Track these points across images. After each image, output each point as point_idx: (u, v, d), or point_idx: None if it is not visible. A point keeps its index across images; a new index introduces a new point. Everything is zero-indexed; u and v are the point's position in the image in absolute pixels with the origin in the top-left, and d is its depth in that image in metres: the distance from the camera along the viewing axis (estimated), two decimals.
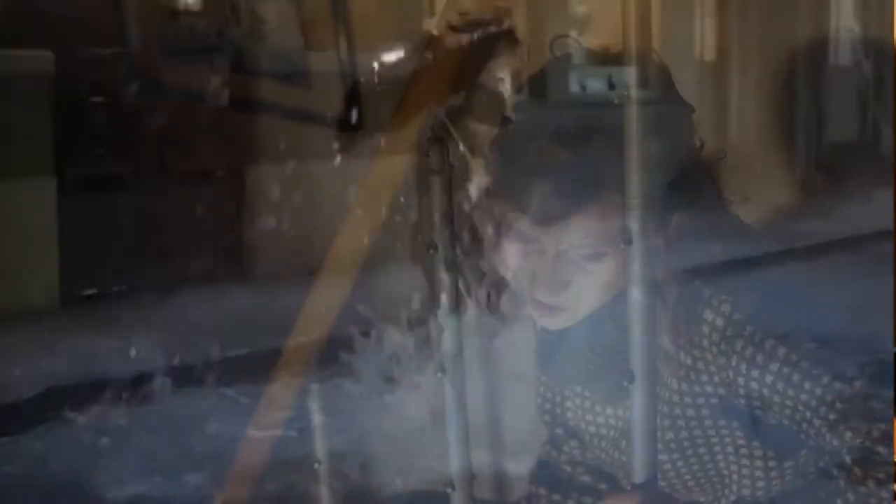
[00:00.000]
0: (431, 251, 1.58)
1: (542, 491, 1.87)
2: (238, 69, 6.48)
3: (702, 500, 1.68)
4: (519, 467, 1.99)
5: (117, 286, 5.68)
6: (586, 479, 1.83)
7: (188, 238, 5.82)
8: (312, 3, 6.86)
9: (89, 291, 5.68)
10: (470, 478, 1.63)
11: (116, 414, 4.46)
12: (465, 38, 1.52)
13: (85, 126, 6.10)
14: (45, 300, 5.72)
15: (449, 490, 1.63)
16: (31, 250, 5.73)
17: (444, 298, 1.59)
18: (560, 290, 1.60)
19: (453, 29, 1.48)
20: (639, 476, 1.44)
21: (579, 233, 1.56)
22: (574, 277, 1.58)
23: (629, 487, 1.49)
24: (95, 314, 5.48)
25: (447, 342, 1.61)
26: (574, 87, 1.61)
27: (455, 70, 1.57)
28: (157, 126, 6.24)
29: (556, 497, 1.85)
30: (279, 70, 6.43)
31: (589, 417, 1.78)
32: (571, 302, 1.61)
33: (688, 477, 1.67)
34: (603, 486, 1.79)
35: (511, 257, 1.62)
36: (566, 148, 1.55)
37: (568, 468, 1.86)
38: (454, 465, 1.63)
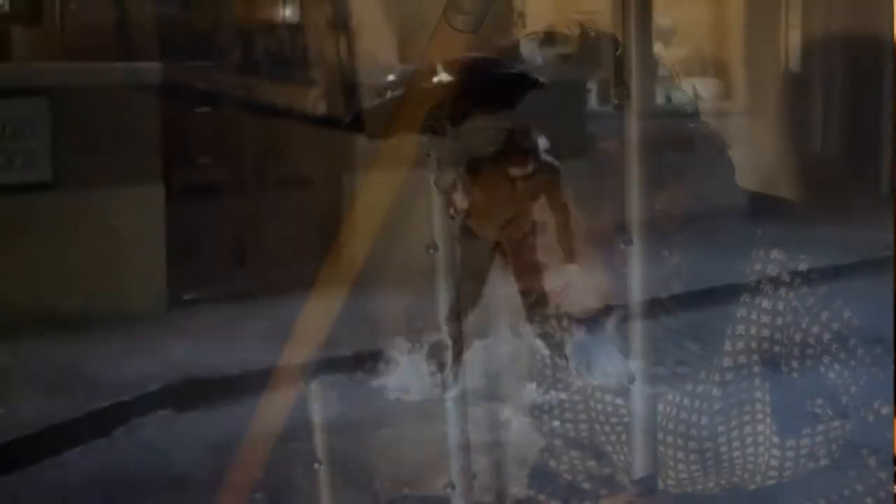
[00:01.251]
0: (431, 251, 1.56)
1: (542, 497, 1.85)
2: (335, 80, 6.58)
3: (705, 488, 1.68)
4: (518, 472, 1.96)
5: (223, 290, 5.81)
6: (587, 485, 1.82)
7: (290, 243, 5.97)
8: (409, 18, 6.98)
9: (196, 296, 5.78)
10: (470, 478, 1.61)
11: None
12: (465, 38, 1.50)
13: (191, 135, 6.29)
14: (153, 305, 5.86)
15: (449, 490, 1.61)
16: (140, 256, 5.89)
17: (445, 301, 1.58)
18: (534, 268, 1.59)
19: (454, 29, 1.47)
20: (638, 473, 1.44)
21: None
22: (537, 256, 1.58)
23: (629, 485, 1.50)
24: (203, 318, 5.65)
25: (448, 345, 1.59)
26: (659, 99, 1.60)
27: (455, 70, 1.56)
28: (259, 134, 6.38)
29: (554, 503, 1.84)
30: (375, 82, 6.51)
31: (595, 417, 1.76)
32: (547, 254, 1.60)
33: (696, 468, 1.66)
34: (604, 492, 1.77)
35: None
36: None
37: (568, 476, 1.84)
38: (454, 465, 1.61)
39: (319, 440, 1.85)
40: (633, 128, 1.37)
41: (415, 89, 1.58)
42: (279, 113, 6.51)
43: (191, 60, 6.38)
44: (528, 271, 1.60)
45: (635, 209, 1.37)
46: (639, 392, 1.40)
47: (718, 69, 8.11)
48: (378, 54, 6.66)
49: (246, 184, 6.45)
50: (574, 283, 1.59)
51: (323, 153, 6.52)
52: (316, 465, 1.86)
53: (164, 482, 4.04)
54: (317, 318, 1.86)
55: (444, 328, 1.59)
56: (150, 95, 5.97)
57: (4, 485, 4.01)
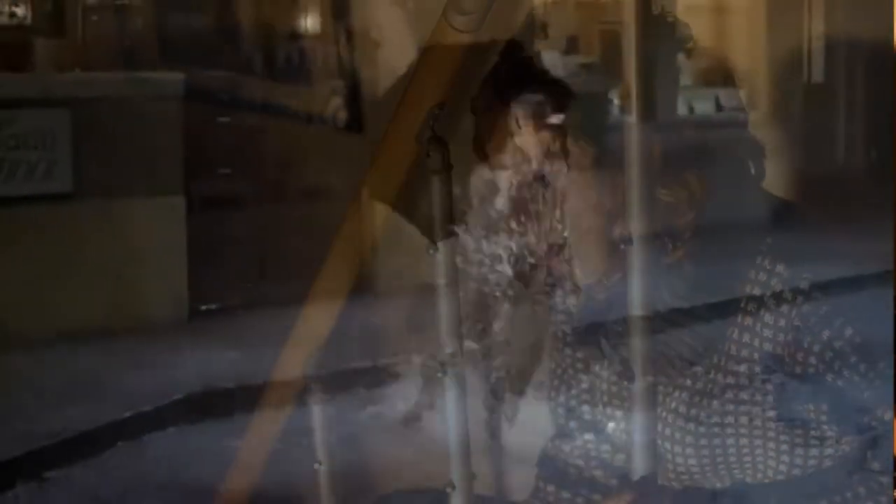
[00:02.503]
0: (431, 251, 1.56)
1: (550, 488, 1.83)
2: (354, 92, 6.60)
3: (709, 484, 1.65)
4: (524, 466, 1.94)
5: (242, 300, 5.79)
6: (598, 473, 1.79)
7: (308, 253, 5.90)
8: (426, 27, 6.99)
9: (215, 305, 5.80)
10: (470, 478, 1.61)
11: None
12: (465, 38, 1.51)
13: (212, 145, 6.29)
14: (174, 313, 5.89)
15: (449, 490, 1.61)
16: (162, 266, 5.91)
17: (445, 301, 1.58)
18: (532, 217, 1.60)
19: (454, 29, 1.52)
20: (638, 472, 1.44)
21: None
22: (539, 206, 1.60)
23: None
24: (223, 326, 5.66)
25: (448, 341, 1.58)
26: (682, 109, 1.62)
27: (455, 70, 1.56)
28: (281, 144, 6.40)
29: (564, 494, 1.81)
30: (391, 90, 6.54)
31: (608, 401, 1.74)
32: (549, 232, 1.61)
33: (696, 469, 1.64)
34: (613, 482, 1.75)
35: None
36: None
37: (581, 462, 1.80)
38: (454, 464, 1.61)
39: (319, 440, 1.86)
40: (636, 128, 1.39)
41: (415, 89, 1.58)
42: (300, 122, 6.52)
43: (212, 70, 6.38)
44: (531, 217, 1.60)
45: (636, 209, 1.39)
46: (639, 391, 1.41)
47: (740, 79, 8.10)
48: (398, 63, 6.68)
49: (267, 194, 6.45)
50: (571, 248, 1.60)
51: (344, 163, 6.51)
52: (316, 465, 1.86)
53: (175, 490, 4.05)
54: (315, 322, 1.88)
55: (444, 329, 1.58)
56: (171, 106, 5.98)
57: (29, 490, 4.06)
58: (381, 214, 1.72)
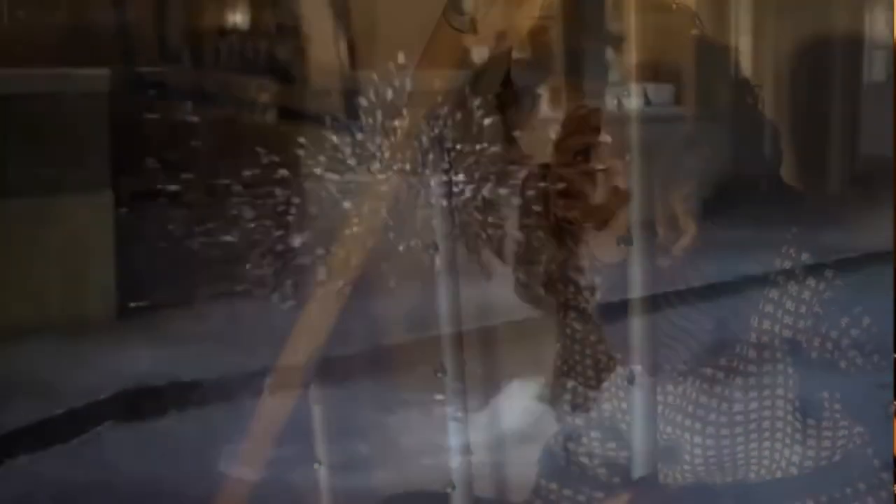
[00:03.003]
0: (431, 251, 1.58)
1: (552, 486, 1.85)
2: (284, 86, 6.57)
3: (716, 479, 1.67)
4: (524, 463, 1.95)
5: (172, 297, 5.73)
6: (602, 471, 1.81)
7: (240, 250, 5.88)
8: (359, 22, 6.96)
9: (145, 303, 5.74)
10: (470, 477, 1.62)
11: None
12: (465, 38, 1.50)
13: (140, 141, 6.19)
14: (103, 311, 5.79)
15: (449, 490, 1.62)
16: (89, 263, 5.84)
17: (443, 296, 1.58)
18: (576, 197, 1.60)
19: (454, 29, 1.54)
20: (638, 471, 1.47)
21: None
22: (583, 184, 1.59)
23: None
24: (152, 325, 5.55)
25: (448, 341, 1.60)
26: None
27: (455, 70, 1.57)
28: (209, 141, 6.32)
29: (566, 492, 1.83)
30: (323, 87, 6.50)
31: (617, 403, 1.76)
32: (593, 211, 1.60)
33: (701, 463, 1.66)
34: (617, 480, 1.77)
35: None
36: None
37: (585, 460, 1.82)
38: (454, 464, 1.62)
39: (319, 440, 1.88)
40: (635, 127, 1.41)
41: (414, 89, 1.64)
42: (231, 116, 6.48)
43: (141, 64, 6.32)
44: (573, 198, 1.58)
45: (636, 209, 1.41)
46: (639, 391, 1.44)
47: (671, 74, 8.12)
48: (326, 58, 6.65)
49: (199, 188, 6.38)
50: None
51: (274, 159, 6.48)
52: (316, 465, 1.89)
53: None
54: (317, 319, 1.94)
55: (444, 328, 1.59)
56: (98, 101, 5.95)
57: None
58: (379, 218, 1.78)
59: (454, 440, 1.61)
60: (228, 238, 6.25)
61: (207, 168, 6.44)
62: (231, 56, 6.83)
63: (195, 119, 6.44)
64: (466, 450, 1.61)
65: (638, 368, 1.45)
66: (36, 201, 5.67)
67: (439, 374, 1.61)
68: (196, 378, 4.89)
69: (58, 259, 5.70)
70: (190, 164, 6.49)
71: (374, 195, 1.72)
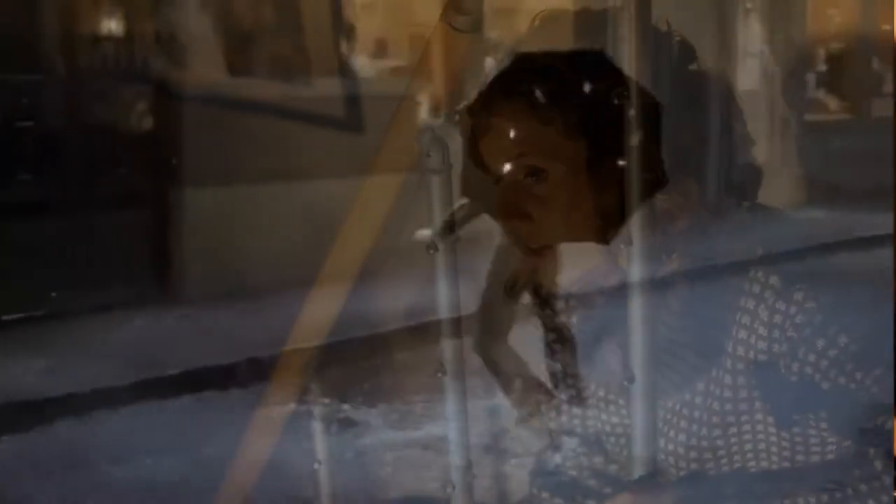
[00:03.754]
0: (431, 251, 1.54)
1: (545, 495, 1.82)
2: (161, 94, 6.49)
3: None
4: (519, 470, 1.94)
5: (43, 309, 5.71)
6: (592, 482, 1.79)
7: (112, 260, 5.91)
8: (238, 30, 6.90)
9: (19, 315, 5.66)
10: (470, 478, 1.60)
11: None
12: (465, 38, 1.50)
13: (10, 151, 6.12)
14: None
15: (449, 490, 1.60)
16: None
17: (444, 297, 1.56)
18: (520, 217, 1.54)
19: (454, 29, 1.51)
20: (638, 471, 1.43)
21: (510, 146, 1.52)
22: (528, 205, 1.53)
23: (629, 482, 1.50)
24: (26, 336, 5.51)
25: (448, 341, 1.58)
26: None
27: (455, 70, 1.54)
28: (82, 150, 6.25)
29: (557, 501, 1.81)
30: (201, 94, 6.42)
31: (598, 415, 1.73)
32: (539, 233, 1.56)
33: (710, 464, 1.64)
34: (608, 490, 1.74)
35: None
36: None
37: (574, 473, 1.80)
38: (454, 465, 1.60)
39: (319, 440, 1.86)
40: (633, 127, 1.37)
41: (414, 89, 1.59)
42: (106, 127, 6.39)
43: (12, 73, 6.20)
44: (516, 218, 1.55)
45: (635, 209, 1.37)
46: (639, 390, 1.40)
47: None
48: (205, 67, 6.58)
49: (73, 199, 6.28)
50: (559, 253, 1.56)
51: (151, 168, 6.48)
52: (316, 466, 1.85)
53: None
54: (317, 317, 1.89)
55: (444, 328, 1.56)
56: None
57: None
58: (380, 216, 1.73)
59: (454, 440, 1.59)
60: (99, 247, 6.10)
61: (79, 178, 6.28)
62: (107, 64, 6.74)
63: (70, 127, 6.31)
64: (466, 450, 1.60)
65: (638, 369, 1.39)
66: None
67: (439, 374, 1.58)
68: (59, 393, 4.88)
69: None
70: (61, 174, 6.33)
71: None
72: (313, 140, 6.41)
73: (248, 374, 5.07)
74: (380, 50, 8.15)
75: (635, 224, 1.36)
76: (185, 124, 6.32)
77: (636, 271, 1.37)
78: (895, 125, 7.20)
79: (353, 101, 6.68)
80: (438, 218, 1.52)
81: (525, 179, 1.52)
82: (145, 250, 6.38)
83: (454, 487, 1.59)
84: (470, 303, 1.69)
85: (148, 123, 6.57)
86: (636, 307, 1.38)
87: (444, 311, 1.55)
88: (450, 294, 1.55)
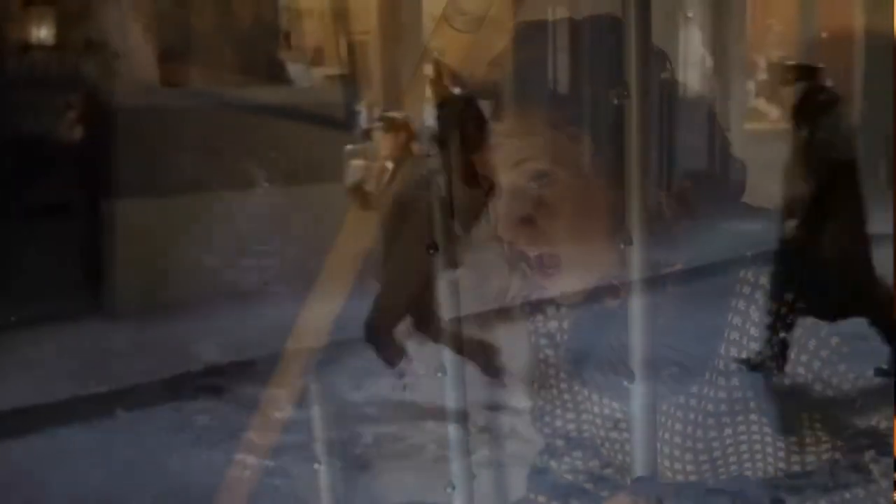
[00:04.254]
0: (431, 251, 1.55)
1: (541, 499, 1.82)
2: (92, 103, 6.40)
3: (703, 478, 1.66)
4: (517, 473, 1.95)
5: None
6: (589, 486, 1.80)
7: (42, 272, 5.80)
8: (169, 39, 6.81)
9: None
10: (470, 478, 1.63)
11: None
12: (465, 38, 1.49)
13: None
14: None
15: (449, 490, 1.62)
16: None
17: (445, 301, 1.58)
18: (526, 227, 1.50)
19: (454, 29, 1.52)
20: (638, 472, 1.45)
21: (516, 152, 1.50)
22: (535, 212, 1.49)
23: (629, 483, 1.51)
24: None
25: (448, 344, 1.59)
26: None
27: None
28: (10, 160, 6.14)
29: None
30: (133, 104, 6.33)
31: (592, 419, 1.73)
32: (546, 241, 1.51)
33: (692, 467, 1.66)
34: (605, 493, 1.74)
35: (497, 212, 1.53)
36: None
37: (570, 477, 1.81)
38: (454, 465, 1.63)
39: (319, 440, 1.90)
40: (634, 127, 1.36)
41: (415, 89, 1.58)
42: (33, 138, 6.29)
43: None
44: (517, 227, 1.50)
45: (636, 209, 1.37)
46: (639, 391, 1.40)
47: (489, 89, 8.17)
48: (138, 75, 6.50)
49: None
50: (563, 257, 1.51)
51: (81, 179, 6.35)
52: (316, 466, 1.89)
53: None
54: (318, 316, 1.90)
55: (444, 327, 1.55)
56: None
57: None
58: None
59: (453, 441, 1.62)
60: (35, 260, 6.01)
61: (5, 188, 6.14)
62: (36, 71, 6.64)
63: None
64: (466, 451, 1.62)
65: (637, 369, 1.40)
66: None
67: (439, 375, 1.59)
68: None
69: None
70: None
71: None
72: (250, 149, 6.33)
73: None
74: (317, 57, 8.08)
75: (634, 225, 1.37)
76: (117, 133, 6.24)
77: (635, 271, 1.37)
78: (895, 126, 7.25)
79: (285, 109, 6.63)
80: (438, 218, 1.53)
81: (529, 184, 1.48)
82: (76, 262, 6.28)
83: (454, 488, 1.61)
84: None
85: (78, 132, 6.47)
86: (636, 308, 1.38)
87: (443, 312, 1.57)
88: (449, 294, 1.56)
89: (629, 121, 1.34)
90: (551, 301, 1.65)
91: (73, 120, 6.41)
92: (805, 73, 5.57)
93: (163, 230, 6.11)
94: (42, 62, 6.69)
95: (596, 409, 1.70)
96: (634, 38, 1.34)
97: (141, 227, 6.15)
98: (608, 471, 1.75)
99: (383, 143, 4.85)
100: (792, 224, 5.17)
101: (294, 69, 7.53)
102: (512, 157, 1.48)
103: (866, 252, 5.12)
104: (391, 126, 4.83)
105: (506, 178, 1.49)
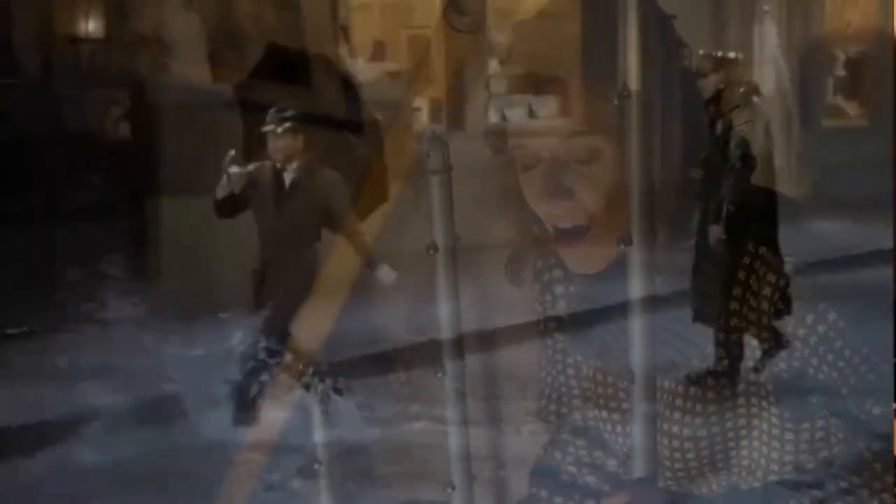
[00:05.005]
0: (431, 251, 1.56)
1: (543, 493, 1.85)
2: (141, 99, 6.26)
3: (706, 486, 1.68)
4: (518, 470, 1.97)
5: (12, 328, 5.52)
6: (590, 479, 1.81)
7: (88, 275, 5.70)
8: (220, 36, 6.68)
9: None
10: (470, 478, 1.66)
11: None
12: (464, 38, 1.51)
13: None
14: None
15: (449, 490, 1.65)
16: None
17: (445, 299, 1.58)
18: (565, 198, 1.54)
19: (454, 29, 1.51)
20: (638, 473, 1.46)
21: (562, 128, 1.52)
22: (574, 184, 1.54)
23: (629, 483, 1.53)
24: None
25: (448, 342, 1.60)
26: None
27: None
28: (56, 159, 6.02)
29: (557, 500, 1.83)
30: (183, 101, 6.22)
31: (598, 414, 1.76)
32: (582, 214, 1.55)
33: (694, 465, 1.66)
34: (606, 488, 1.77)
35: (526, 189, 1.58)
36: None
37: (573, 469, 1.83)
38: (454, 465, 1.65)
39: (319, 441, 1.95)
40: (634, 126, 1.38)
41: (416, 89, 1.52)
42: (78, 136, 6.19)
43: None
44: (553, 199, 1.55)
45: (636, 208, 1.37)
46: (638, 391, 1.42)
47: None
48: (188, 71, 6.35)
49: (40, 212, 6.06)
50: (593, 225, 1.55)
51: (126, 179, 6.18)
52: (316, 466, 1.96)
53: None
54: (318, 315, 2.03)
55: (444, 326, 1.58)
56: None
57: None
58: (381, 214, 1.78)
59: (454, 441, 1.64)
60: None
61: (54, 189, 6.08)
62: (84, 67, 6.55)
63: (44, 136, 6.11)
64: (466, 451, 1.65)
65: (637, 369, 1.43)
66: None
67: (439, 375, 1.63)
68: None
69: None
70: (36, 184, 6.14)
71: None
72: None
73: None
74: (377, 52, 7.97)
75: (634, 223, 1.38)
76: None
77: (636, 271, 1.40)
78: (894, 124, 7.05)
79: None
80: (438, 219, 1.56)
81: (577, 157, 1.52)
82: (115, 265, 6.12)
83: (454, 487, 1.65)
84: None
85: (124, 129, 6.37)
86: (636, 305, 1.41)
87: (444, 312, 1.58)
88: (450, 294, 1.57)
89: (629, 120, 1.36)
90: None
91: (118, 116, 6.31)
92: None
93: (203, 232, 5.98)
94: (89, 56, 6.58)
95: (609, 392, 1.71)
96: (634, 37, 1.36)
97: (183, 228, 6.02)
98: (612, 461, 1.77)
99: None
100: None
101: (351, 64, 7.41)
102: (564, 130, 1.51)
103: None
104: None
105: (547, 151, 1.52)
